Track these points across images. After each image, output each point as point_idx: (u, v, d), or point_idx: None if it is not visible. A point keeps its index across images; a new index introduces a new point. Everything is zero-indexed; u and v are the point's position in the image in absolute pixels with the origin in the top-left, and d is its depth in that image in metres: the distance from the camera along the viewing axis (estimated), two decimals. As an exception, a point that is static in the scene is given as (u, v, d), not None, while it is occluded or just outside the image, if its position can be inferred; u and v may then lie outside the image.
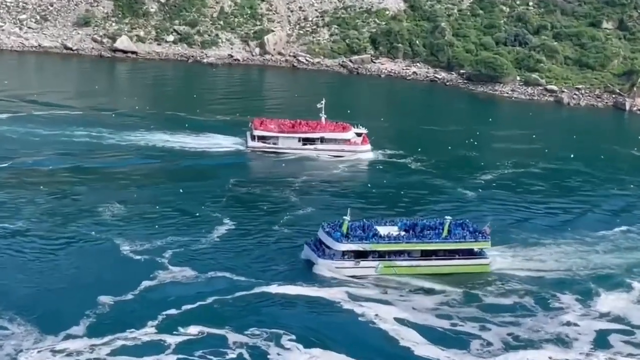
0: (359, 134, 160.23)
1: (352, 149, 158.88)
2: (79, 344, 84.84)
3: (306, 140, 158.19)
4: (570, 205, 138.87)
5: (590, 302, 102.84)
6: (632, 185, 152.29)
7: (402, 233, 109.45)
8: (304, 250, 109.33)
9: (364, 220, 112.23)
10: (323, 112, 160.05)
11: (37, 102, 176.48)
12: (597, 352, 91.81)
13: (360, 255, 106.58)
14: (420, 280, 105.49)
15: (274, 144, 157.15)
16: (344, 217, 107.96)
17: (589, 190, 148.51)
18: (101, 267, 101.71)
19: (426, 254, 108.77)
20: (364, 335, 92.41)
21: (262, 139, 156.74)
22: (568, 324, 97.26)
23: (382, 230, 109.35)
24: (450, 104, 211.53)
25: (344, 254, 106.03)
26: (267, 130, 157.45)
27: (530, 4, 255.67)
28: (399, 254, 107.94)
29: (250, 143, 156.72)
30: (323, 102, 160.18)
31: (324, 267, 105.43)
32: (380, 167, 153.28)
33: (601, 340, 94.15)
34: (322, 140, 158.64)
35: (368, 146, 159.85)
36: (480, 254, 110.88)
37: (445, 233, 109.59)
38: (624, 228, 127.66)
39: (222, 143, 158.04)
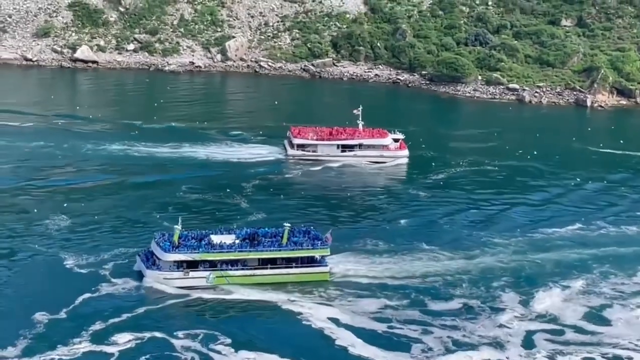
0: (396, 140, 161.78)
1: (390, 154, 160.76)
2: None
3: (345, 147, 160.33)
4: (496, 204, 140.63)
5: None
6: (577, 179, 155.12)
7: (237, 242, 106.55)
8: (136, 262, 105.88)
9: (223, 229, 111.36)
10: (360, 119, 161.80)
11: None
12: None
13: (190, 265, 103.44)
14: (251, 290, 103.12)
15: (313, 151, 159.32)
16: (175, 226, 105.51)
17: (530, 188, 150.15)
18: (42, 282, 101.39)
19: (264, 263, 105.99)
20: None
21: (301, 147, 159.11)
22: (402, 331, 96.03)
23: (217, 239, 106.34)
24: (412, 106, 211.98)
25: (172, 264, 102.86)
26: (306, 138, 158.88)
27: (490, 3, 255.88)
28: (232, 263, 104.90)
29: (290, 151, 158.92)
30: (360, 109, 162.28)
31: (151, 278, 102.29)
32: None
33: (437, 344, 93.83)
34: (361, 146, 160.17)
35: (406, 151, 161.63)
36: (319, 262, 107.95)
37: (284, 241, 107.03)
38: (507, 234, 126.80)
39: (262, 152, 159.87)
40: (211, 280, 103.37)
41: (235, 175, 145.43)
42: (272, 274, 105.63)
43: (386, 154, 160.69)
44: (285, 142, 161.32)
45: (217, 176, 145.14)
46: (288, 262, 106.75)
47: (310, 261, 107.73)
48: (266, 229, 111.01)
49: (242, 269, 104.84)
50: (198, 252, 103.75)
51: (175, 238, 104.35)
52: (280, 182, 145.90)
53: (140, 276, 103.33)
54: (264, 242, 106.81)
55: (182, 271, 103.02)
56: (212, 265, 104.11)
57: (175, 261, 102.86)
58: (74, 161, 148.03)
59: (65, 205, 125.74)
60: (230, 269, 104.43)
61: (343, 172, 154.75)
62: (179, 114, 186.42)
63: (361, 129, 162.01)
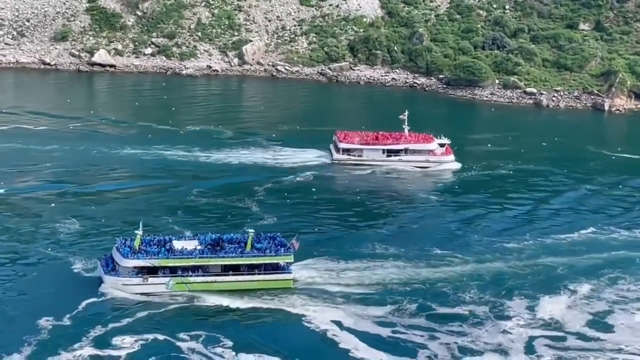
0: (442, 145, 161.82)
1: (436, 159, 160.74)
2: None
3: (390, 152, 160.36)
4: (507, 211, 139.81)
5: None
6: (592, 184, 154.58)
7: (199, 248, 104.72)
8: (97, 267, 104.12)
9: (188, 234, 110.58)
10: (406, 124, 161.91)
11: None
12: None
13: (149, 271, 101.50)
14: (212, 297, 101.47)
15: (359, 156, 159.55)
16: (136, 231, 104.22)
17: (544, 192, 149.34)
18: (49, 286, 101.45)
19: (226, 270, 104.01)
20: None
21: (347, 151, 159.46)
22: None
23: (179, 245, 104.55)
24: (428, 110, 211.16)
25: (131, 270, 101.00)
26: (351, 142, 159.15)
27: (507, 7, 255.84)
28: (193, 269, 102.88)
29: (336, 156, 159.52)
30: (406, 113, 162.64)
31: (109, 284, 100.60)
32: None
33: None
34: (407, 151, 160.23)
35: (452, 156, 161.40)
36: (283, 269, 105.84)
37: (248, 247, 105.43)
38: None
39: (309, 157, 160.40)
40: (171, 286, 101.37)
41: (279, 180, 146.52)
42: (234, 281, 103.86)
43: (432, 158, 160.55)
44: (331, 146, 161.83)
45: (259, 181, 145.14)
46: (251, 268, 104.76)
47: (274, 268, 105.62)
48: (232, 234, 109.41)
49: (203, 275, 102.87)
50: (157, 258, 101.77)
51: (136, 243, 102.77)
52: (324, 186, 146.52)
53: (100, 282, 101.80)
54: (227, 248, 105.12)
55: (141, 277, 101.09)
56: (172, 271, 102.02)
57: (134, 267, 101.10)
58: (89, 165, 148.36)
59: (76, 208, 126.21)
60: (191, 275, 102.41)
61: (382, 178, 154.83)
62: (211, 117, 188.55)
63: (407, 134, 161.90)
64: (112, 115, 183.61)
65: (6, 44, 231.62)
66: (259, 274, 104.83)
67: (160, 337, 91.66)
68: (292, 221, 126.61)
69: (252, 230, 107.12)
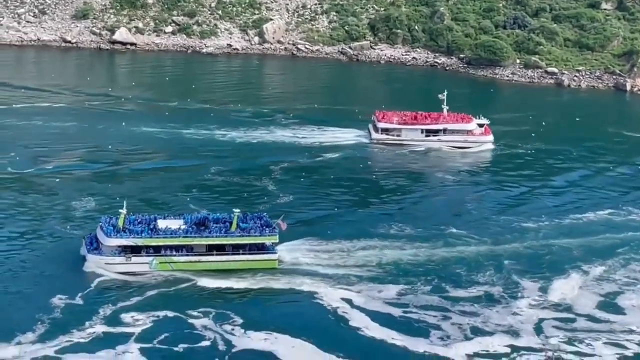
0: (481, 125, 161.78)
1: (475, 139, 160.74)
2: (32, 350, 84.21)
3: (429, 132, 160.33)
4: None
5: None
6: (611, 164, 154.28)
7: (184, 227, 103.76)
8: (82, 246, 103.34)
9: (174, 214, 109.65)
10: (445, 104, 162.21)
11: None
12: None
13: (133, 250, 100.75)
14: (195, 276, 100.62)
15: (397, 136, 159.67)
16: (120, 210, 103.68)
17: (562, 172, 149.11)
18: (62, 264, 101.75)
19: (210, 249, 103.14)
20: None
21: (385, 131, 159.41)
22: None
23: (163, 224, 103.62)
24: (449, 89, 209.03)
25: (115, 249, 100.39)
26: (390, 122, 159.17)
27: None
28: (177, 249, 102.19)
29: (374, 135, 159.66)
30: (445, 93, 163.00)
31: (92, 263, 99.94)
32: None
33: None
34: (445, 131, 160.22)
35: (491, 137, 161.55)
36: (268, 249, 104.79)
37: (233, 227, 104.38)
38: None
39: (346, 136, 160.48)
40: (154, 266, 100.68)
41: (317, 159, 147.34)
42: (219, 261, 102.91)
43: (470, 139, 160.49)
44: (370, 126, 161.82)
45: (299, 160, 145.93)
46: (235, 248, 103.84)
47: (260, 248, 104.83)
48: (218, 214, 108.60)
49: (187, 255, 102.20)
50: (140, 237, 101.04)
51: (120, 222, 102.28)
52: (358, 166, 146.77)
53: (84, 261, 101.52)
54: (212, 228, 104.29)
55: (124, 256, 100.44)
56: (155, 250, 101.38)
57: (117, 246, 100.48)
58: (106, 143, 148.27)
59: (92, 186, 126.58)
60: (175, 255, 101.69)
61: (415, 158, 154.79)
62: (246, 97, 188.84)
63: (446, 114, 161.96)
64: (131, 93, 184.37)
65: (27, 21, 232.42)
66: (243, 254, 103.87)
67: (171, 314, 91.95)
68: (309, 200, 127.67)
69: (238, 210, 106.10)
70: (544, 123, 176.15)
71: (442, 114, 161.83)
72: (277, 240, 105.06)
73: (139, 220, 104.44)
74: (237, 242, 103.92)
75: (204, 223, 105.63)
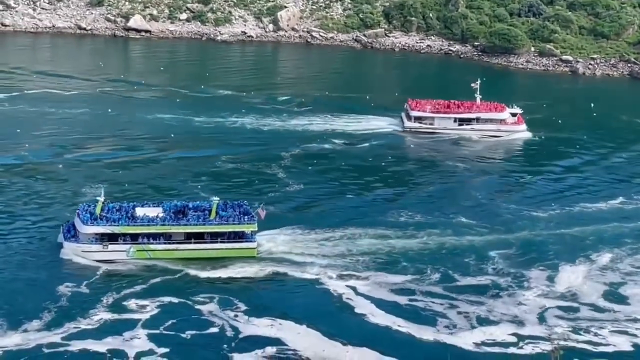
0: (513, 114, 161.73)
1: (508, 128, 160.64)
2: (40, 338, 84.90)
3: (462, 121, 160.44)
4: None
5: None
6: (624, 153, 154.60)
7: (162, 215, 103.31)
8: (60, 233, 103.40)
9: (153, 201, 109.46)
10: (478, 93, 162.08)
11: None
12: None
13: (110, 238, 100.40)
14: (173, 264, 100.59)
15: (430, 124, 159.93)
16: (97, 197, 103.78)
17: (574, 161, 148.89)
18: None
19: (189, 237, 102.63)
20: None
21: (418, 119, 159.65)
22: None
23: (141, 212, 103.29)
24: (463, 77, 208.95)
25: (92, 236, 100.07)
26: (423, 110, 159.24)
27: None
28: (154, 237, 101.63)
29: (407, 123, 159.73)
30: (478, 82, 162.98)
31: (69, 250, 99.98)
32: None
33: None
34: (478, 120, 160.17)
35: (524, 126, 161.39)
36: (247, 238, 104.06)
37: (212, 215, 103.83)
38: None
39: (380, 124, 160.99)
40: (131, 253, 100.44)
41: (348, 148, 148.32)
42: (197, 249, 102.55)
43: (503, 128, 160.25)
44: (403, 114, 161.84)
45: (327, 148, 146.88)
46: (214, 237, 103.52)
47: (239, 237, 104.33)
48: (197, 202, 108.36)
49: (165, 243, 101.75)
50: (117, 225, 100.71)
51: (98, 210, 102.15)
52: (389, 154, 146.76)
53: (61, 248, 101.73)
54: (190, 216, 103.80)
55: (101, 244, 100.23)
56: (133, 238, 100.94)
57: (94, 234, 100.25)
58: (118, 129, 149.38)
59: (102, 173, 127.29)
60: (152, 243, 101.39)
61: (447, 147, 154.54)
62: (248, 83, 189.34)
63: (479, 103, 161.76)
64: (145, 79, 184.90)
65: (43, 8, 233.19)
66: (221, 242, 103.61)
67: (175, 300, 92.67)
68: (324, 188, 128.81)
69: (217, 198, 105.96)
70: (558, 111, 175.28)
71: (475, 103, 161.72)
72: (256, 229, 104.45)
73: (117, 208, 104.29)
74: (215, 230, 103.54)
75: (183, 211, 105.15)
